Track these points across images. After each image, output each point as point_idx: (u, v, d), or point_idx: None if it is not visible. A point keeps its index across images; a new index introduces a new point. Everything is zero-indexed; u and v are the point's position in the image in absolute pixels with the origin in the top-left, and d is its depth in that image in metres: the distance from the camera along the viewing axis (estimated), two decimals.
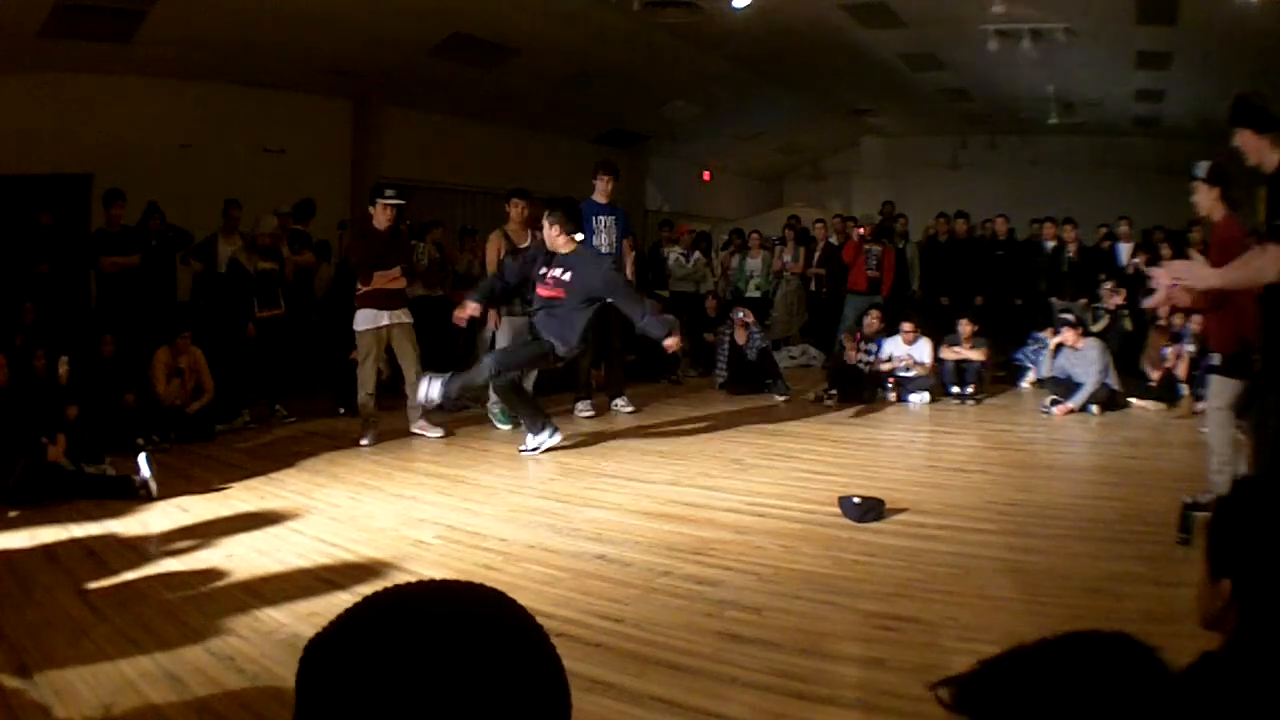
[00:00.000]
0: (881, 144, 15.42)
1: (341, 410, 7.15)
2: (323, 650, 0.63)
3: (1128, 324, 8.61)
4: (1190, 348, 7.55)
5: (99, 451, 5.21)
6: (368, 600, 0.66)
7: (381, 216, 6.13)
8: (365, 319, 6.10)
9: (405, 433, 6.33)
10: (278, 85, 9.22)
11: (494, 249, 6.59)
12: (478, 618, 0.65)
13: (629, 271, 7.08)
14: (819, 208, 13.88)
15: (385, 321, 6.11)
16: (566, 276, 5.53)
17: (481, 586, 0.69)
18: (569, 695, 0.66)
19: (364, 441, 6.04)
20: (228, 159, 8.67)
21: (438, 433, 6.33)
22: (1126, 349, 8.21)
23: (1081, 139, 13.34)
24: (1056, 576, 3.52)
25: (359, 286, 6.11)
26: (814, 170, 16.90)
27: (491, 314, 6.51)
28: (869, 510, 4.28)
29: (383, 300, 6.10)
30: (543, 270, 5.60)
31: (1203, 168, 4.40)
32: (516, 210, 6.74)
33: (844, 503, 4.35)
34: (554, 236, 5.57)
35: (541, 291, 5.62)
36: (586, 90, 10.78)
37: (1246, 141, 3.58)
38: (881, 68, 10.98)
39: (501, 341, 6.59)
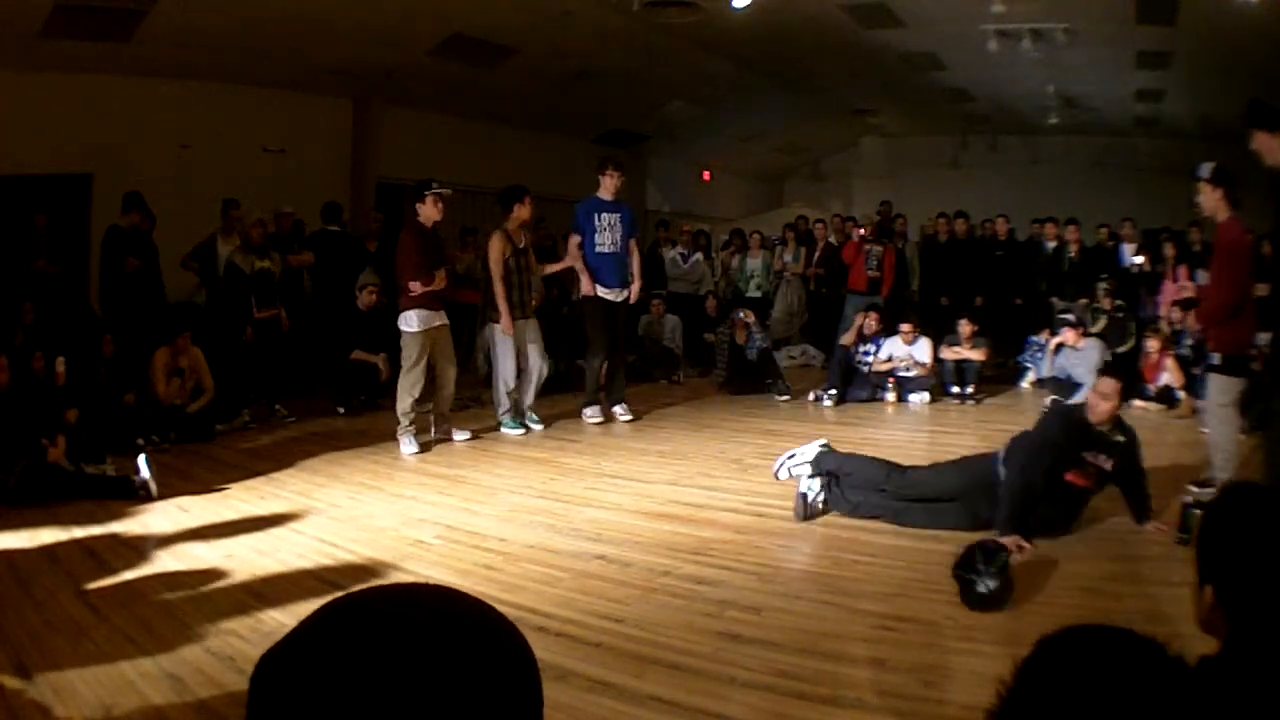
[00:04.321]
0: (881, 144, 15.43)
1: (341, 410, 7.14)
2: (275, 666, 0.60)
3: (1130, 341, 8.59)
4: (1189, 342, 7.58)
5: (99, 452, 5.21)
6: (320, 611, 0.63)
7: (433, 210, 5.97)
8: (420, 320, 5.88)
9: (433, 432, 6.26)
10: (278, 85, 9.22)
11: (498, 250, 6.39)
12: (437, 621, 0.63)
13: (635, 271, 6.87)
14: (819, 208, 13.88)
15: (436, 323, 5.98)
16: None
17: (441, 588, 0.68)
18: (540, 690, 0.65)
19: (408, 450, 5.84)
20: (228, 159, 8.68)
21: (466, 435, 6.23)
22: (1124, 356, 8.22)
23: (1082, 139, 13.35)
24: (1056, 576, 3.52)
25: (413, 288, 5.88)
26: (814, 170, 16.91)
27: (506, 318, 6.32)
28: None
29: (433, 301, 5.95)
30: None
31: (1207, 169, 4.39)
32: (526, 210, 6.48)
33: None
34: None
35: None
36: (586, 90, 10.78)
37: (1262, 143, 3.58)
38: (881, 68, 10.98)
39: (500, 347, 6.45)
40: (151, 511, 4.51)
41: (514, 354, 6.42)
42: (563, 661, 2.71)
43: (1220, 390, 4.43)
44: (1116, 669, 0.80)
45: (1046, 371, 7.88)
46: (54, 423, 5.04)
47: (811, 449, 4.40)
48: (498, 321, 6.42)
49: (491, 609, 0.67)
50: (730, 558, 3.77)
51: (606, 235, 6.70)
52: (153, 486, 4.70)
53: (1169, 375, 7.48)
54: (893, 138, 15.25)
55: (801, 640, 2.93)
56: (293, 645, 0.61)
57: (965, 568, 3.18)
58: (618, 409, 6.98)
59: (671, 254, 10.72)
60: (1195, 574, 1.33)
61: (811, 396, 7.87)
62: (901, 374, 7.94)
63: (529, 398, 6.63)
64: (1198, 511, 3.68)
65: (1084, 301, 8.99)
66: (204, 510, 4.52)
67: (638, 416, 7.01)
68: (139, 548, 3.94)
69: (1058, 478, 3.87)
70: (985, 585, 3.11)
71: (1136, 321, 8.82)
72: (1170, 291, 8.37)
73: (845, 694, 2.56)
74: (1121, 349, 8.35)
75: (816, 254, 10.81)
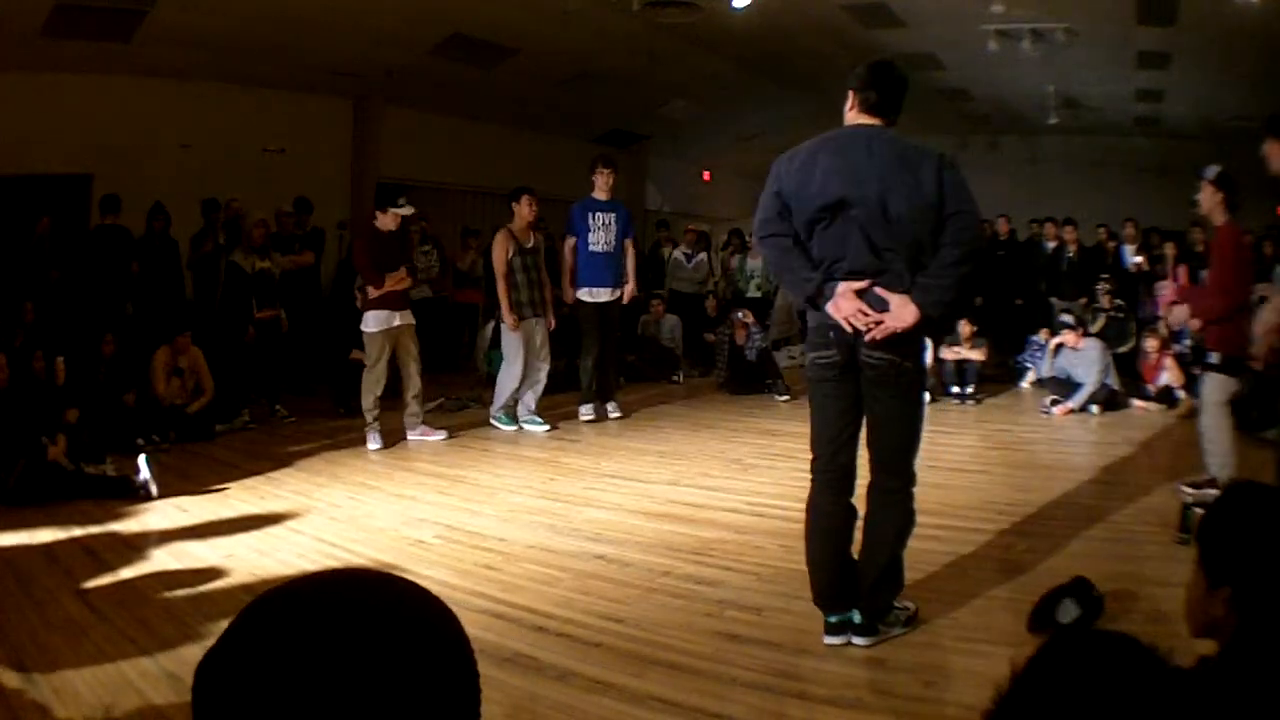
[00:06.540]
0: None
1: (341, 410, 7.14)
2: (213, 668, 0.61)
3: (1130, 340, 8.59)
4: (1188, 341, 7.58)
5: (99, 451, 5.20)
6: (250, 609, 0.64)
7: (389, 221, 6.08)
8: (378, 320, 5.97)
9: (404, 433, 6.27)
10: (278, 85, 9.22)
11: (500, 250, 6.41)
12: (367, 608, 0.63)
13: (630, 272, 6.88)
14: None
15: (396, 322, 6.04)
16: None
17: (370, 571, 0.68)
18: (476, 674, 0.65)
19: (373, 446, 5.94)
20: (228, 159, 8.68)
21: (440, 435, 6.27)
22: (1123, 356, 8.23)
23: (1081, 139, 13.35)
24: (1056, 576, 3.51)
25: (369, 290, 5.98)
26: None
27: (510, 315, 6.34)
28: None
29: (393, 301, 6.01)
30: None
31: (1212, 171, 4.46)
32: (530, 209, 6.48)
33: None
34: None
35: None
36: (586, 90, 10.78)
37: (1273, 151, 3.62)
38: None
39: (509, 345, 6.45)
40: (151, 511, 4.51)
41: (523, 352, 6.43)
42: (563, 661, 2.70)
43: (1214, 389, 4.45)
44: (1112, 675, 0.80)
45: (1046, 371, 7.87)
46: (54, 422, 5.04)
47: None
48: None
49: (421, 588, 0.67)
50: (730, 558, 3.78)
51: (601, 235, 6.69)
52: (153, 486, 4.70)
53: (1169, 375, 7.48)
54: None
55: (801, 640, 2.93)
56: (224, 646, 0.62)
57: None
58: (608, 405, 7.04)
59: (675, 254, 10.72)
60: (1199, 576, 1.32)
61: None
62: None
63: (531, 399, 6.62)
64: (1198, 511, 3.69)
65: (1084, 301, 9.00)
66: (204, 510, 4.51)
67: (627, 414, 7.06)
68: (138, 547, 3.94)
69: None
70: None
71: (1136, 321, 8.82)
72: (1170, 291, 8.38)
73: (845, 694, 2.56)
74: (1121, 349, 8.36)
75: None
